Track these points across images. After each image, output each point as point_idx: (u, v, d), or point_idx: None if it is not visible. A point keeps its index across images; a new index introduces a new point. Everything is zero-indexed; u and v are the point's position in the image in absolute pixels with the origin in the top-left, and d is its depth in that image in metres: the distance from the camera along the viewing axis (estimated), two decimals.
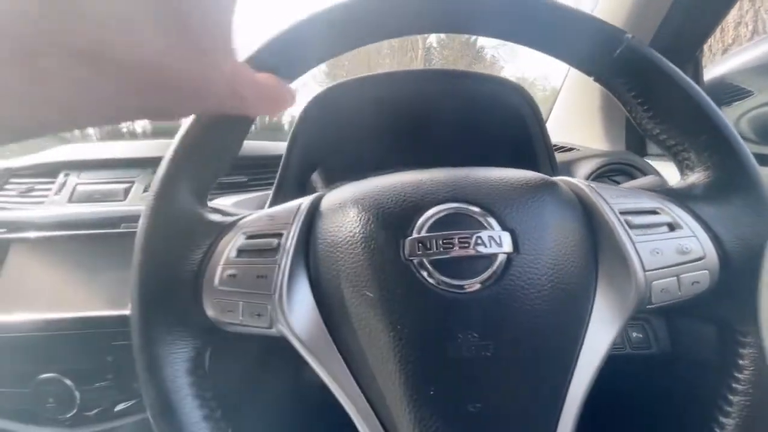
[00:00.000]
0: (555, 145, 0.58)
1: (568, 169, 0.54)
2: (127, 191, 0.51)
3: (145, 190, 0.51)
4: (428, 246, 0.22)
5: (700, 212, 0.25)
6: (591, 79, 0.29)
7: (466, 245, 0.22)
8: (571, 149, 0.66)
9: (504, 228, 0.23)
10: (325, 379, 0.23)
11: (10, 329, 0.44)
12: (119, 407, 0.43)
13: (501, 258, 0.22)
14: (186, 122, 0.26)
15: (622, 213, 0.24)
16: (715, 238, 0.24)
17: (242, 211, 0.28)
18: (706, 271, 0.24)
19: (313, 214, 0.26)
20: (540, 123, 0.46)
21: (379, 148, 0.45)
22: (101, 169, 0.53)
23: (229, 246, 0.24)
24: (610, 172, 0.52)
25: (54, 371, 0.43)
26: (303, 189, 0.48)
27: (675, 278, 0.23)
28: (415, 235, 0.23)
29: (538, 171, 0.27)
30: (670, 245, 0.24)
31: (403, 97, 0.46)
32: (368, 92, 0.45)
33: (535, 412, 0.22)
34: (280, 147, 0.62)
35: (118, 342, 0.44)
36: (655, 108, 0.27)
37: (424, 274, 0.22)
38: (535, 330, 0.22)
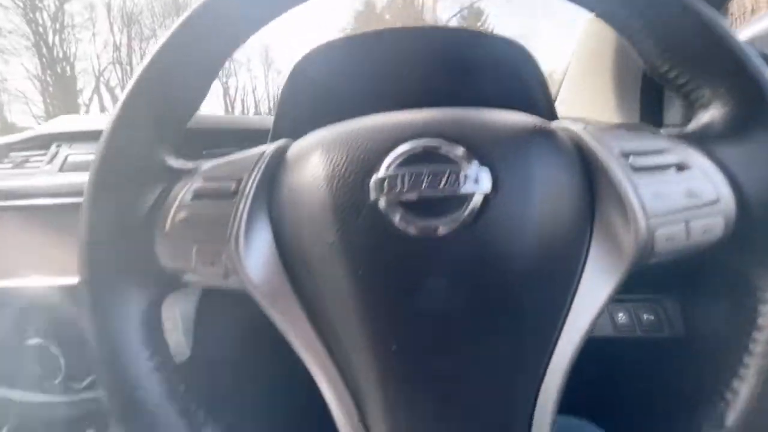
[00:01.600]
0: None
1: None
2: None
3: None
4: (394, 185, 0.20)
5: (715, 151, 0.21)
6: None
7: (437, 183, 0.19)
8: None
9: (483, 165, 0.20)
10: (286, 334, 0.21)
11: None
12: None
13: (477, 198, 0.20)
14: (146, 58, 0.24)
15: (624, 154, 0.21)
16: (733, 180, 0.21)
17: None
18: (721, 217, 0.21)
19: (279, 159, 0.24)
20: (542, 82, 0.42)
21: (369, 109, 0.42)
22: (92, 141, 0.53)
23: (184, 189, 0.23)
24: None
25: (40, 338, 0.43)
26: None
27: (683, 224, 0.20)
28: (381, 174, 0.20)
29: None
30: (677, 188, 0.20)
31: (396, 56, 0.43)
32: (357, 51, 0.43)
33: (513, 370, 0.20)
34: (268, 121, 0.61)
35: None
36: (667, 39, 0.23)
37: (391, 216, 0.20)
38: (514, 279, 0.20)
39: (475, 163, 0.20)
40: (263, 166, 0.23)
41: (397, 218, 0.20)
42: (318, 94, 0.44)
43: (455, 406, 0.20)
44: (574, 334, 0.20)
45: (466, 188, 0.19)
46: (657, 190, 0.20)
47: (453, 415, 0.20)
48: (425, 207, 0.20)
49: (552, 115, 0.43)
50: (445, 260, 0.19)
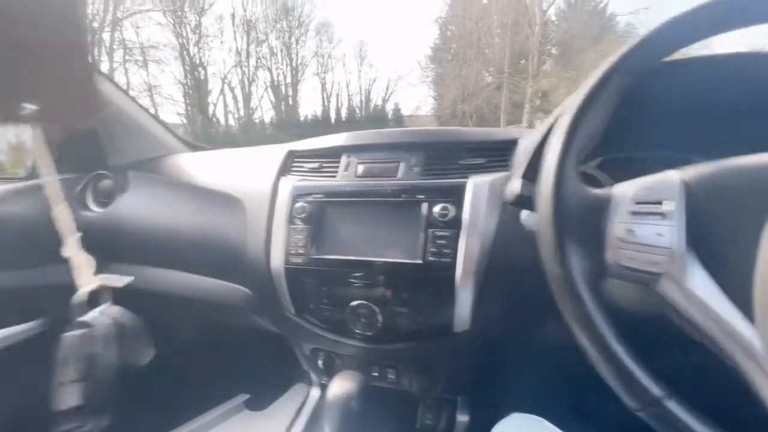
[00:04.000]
0: None
1: None
2: (396, 169, 0.64)
3: (411, 168, 0.64)
4: None
5: None
6: None
7: None
8: None
9: None
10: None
11: (331, 265, 0.59)
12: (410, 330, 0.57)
13: None
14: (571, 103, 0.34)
15: None
16: None
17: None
18: None
19: (693, 186, 0.30)
20: None
21: (718, 132, 0.44)
22: (372, 152, 0.68)
23: (620, 211, 0.32)
24: None
25: (362, 299, 0.59)
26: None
27: None
28: None
29: None
30: None
31: (745, 82, 0.43)
32: (704, 72, 0.44)
33: None
34: (508, 132, 0.69)
35: (410, 282, 0.56)
36: None
37: None
38: None
39: None
40: (682, 193, 0.30)
41: None
42: (661, 113, 0.46)
43: None
44: None
45: None
46: None
47: None
48: None
49: None
50: None
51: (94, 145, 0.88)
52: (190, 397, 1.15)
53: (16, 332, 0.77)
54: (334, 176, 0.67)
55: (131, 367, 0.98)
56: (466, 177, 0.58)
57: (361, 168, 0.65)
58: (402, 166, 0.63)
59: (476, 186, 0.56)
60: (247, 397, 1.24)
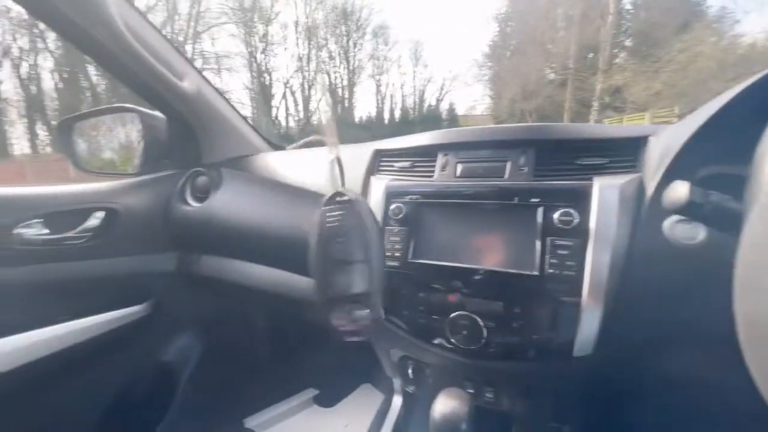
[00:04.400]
0: None
1: None
2: (502, 169, 0.58)
3: (519, 169, 0.57)
4: None
5: None
6: None
7: None
8: None
9: None
10: None
11: (431, 271, 0.55)
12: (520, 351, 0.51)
13: None
14: None
15: None
16: None
17: None
18: None
19: None
20: None
21: None
22: (472, 150, 0.63)
23: None
24: None
25: (465, 310, 0.55)
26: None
27: None
28: None
29: None
30: None
31: None
32: None
33: None
34: (628, 129, 0.60)
35: (523, 295, 0.49)
36: None
37: None
38: None
39: None
40: None
41: None
42: None
43: None
44: None
45: None
46: None
47: None
48: None
49: None
50: None
51: (192, 143, 0.94)
52: (263, 388, 1.18)
53: (124, 315, 0.84)
54: (430, 176, 0.63)
55: (211, 355, 1.04)
56: (590, 179, 0.51)
57: (460, 167, 0.60)
58: (509, 166, 0.57)
59: (604, 189, 0.49)
60: (316, 392, 1.26)
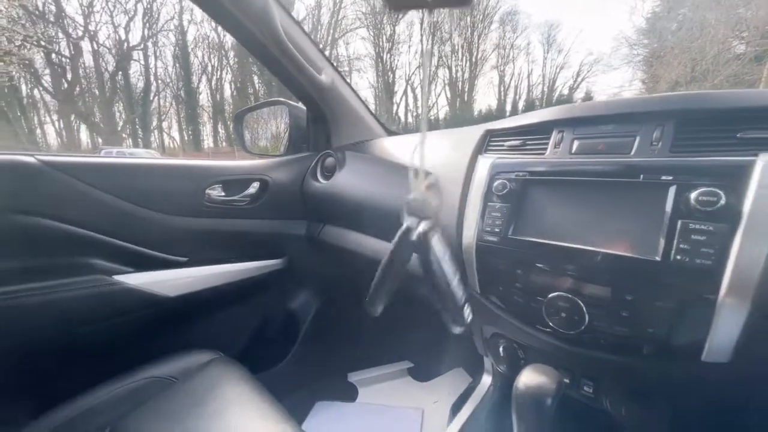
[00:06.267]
0: None
1: None
2: (630, 145, 0.52)
3: (651, 144, 0.51)
4: None
5: None
6: None
7: None
8: None
9: None
10: None
11: (531, 248, 0.53)
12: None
13: None
14: None
15: None
16: None
17: None
18: None
19: None
20: None
21: None
22: (593, 125, 0.58)
23: None
24: None
25: (565, 291, 0.52)
26: None
27: None
28: None
29: None
30: None
31: None
32: None
33: None
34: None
35: (638, 282, 0.45)
36: None
37: None
38: None
39: None
40: None
41: None
42: None
43: None
44: None
45: None
46: None
47: None
48: None
49: None
50: None
51: (325, 130, 1.11)
52: (366, 350, 1.32)
53: (267, 265, 1.06)
54: (542, 154, 0.60)
55: (326, 311, 1.21)
56: (754, 154, 0.42)
57: (576, 144, 0.56)
58: (637, 141, 0.51)
59: None
60: (411, 365, 1.33)
